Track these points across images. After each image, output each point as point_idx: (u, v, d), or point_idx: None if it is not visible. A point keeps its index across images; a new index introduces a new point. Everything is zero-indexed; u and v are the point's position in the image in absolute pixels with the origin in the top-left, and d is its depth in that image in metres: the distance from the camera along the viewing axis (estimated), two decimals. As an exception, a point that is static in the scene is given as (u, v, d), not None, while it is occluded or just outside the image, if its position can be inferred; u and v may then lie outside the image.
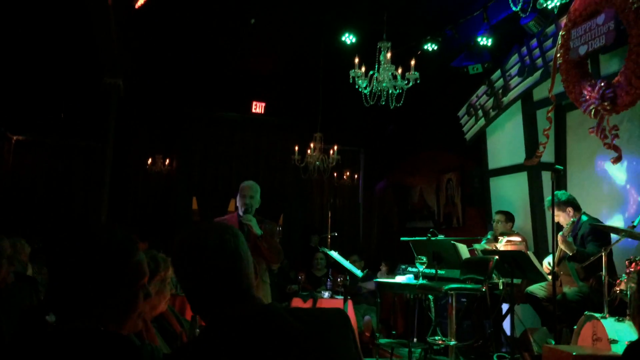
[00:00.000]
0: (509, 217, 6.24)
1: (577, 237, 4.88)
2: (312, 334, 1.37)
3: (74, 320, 1.44)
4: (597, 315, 3.99)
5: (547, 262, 5.07)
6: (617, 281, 4.25)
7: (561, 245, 4.75)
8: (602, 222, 4.99)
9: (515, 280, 5.10)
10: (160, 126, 10.29)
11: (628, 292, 3.82)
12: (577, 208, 5.06)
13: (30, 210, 9.39)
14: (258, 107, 10.28)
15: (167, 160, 10.15)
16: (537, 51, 5.98)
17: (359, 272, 5.47)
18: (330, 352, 1.38)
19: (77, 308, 1.45)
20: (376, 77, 5.76)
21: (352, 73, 5.73)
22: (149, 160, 9.98)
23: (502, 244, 5.74)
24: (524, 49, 6.16)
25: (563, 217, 5.04)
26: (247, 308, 1.39)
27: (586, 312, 4.14)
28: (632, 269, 3.96)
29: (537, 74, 6.02)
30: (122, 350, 1.42)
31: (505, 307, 5.67)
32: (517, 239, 5.87)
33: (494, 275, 5.20)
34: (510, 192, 6.87)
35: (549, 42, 5.75)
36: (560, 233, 4.77)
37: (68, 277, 1.46)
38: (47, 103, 9.11)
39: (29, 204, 9.47)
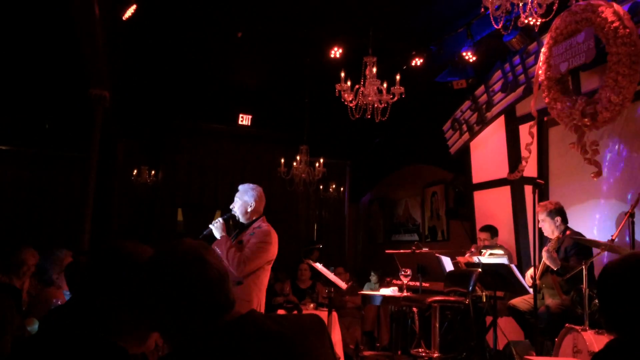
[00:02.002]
0: (493, 232, 6.30)
1: (559, 250, 4.94)
2: (291, 337, 1.40)
3: (79, 329, 1.46)
4: (578, 327, 4.04)
5: (529, 275, 5.12)
6: (598, 294, 4.30)
7: (546, 261, 4.79)
8: (583, 236, 5.06)
9: (497, 293, 5.16)
10: (145, 137, 10.27)
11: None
12: (565, 219, 5.12)
13: (12, 220, 9.29)
14: (244, 120, 10.31)
15: (153, 172, 10.12)
16: (519, 68, 6.09)
17: (343, 285, 5.48)
18: (308, 354, 1.41)
19: (94, 319, 1.48)
20: (362, 91, 5.82)
21: (338, 87, 5.79)
22: (134, 172, 9.94)
23: (486, 257, 5.79)
24: (507, 66, 6.27)
25: (548, 225, 5.09)
26: (228, 317, 1.41)
27: (567, 325, 4.19)
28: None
29: (520, 90, 6.13)
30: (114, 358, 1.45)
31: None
32: (500, 251, 5.92)
33: (477, 288, 5.24)
34: (493, 206, 6.95)
35: (532, 59, 5.86)
36: (546, 249, 4.80)
37: (94, 289, 1.50)
38: (32, 113, 9.05)
39: (11, 214, 9.37)
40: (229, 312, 1.41)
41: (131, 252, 1.54)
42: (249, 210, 3.96)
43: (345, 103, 5.86)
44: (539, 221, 4.96)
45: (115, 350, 1.46)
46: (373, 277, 8.43)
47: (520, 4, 3.80)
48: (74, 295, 1.56)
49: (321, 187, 10.26)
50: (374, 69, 5.82)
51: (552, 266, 4.78)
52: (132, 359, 1.51)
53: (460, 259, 5.84)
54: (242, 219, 3.98)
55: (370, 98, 5.81)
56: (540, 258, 4.89)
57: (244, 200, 3.97)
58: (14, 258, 4.39)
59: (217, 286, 1.40)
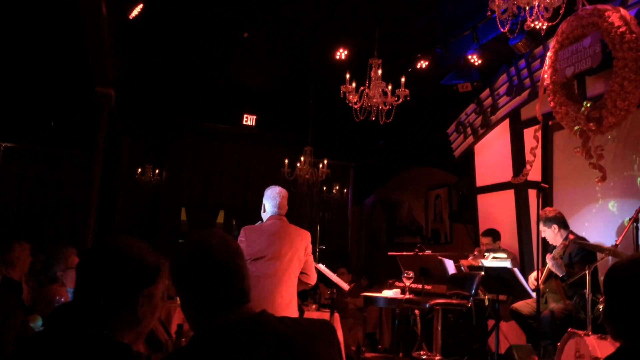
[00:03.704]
0: (495, 236, 6.30)
1: (564, 255, 4.93)
2: (300, 341, 1.41)
3: (86, 325, 1.47)
4: (581, 332, 4.03)
5: (533, 278, 5.11)
6: (601, 299, 4.30)
7: (551, 268, 4.78)
8: (587, 241, 5.05)
9: (500, 297, 5.15)
10: (150, 136, 10.30)
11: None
12: (563, 226, 5.10)
13: (17, 217, 9.32)
14: (249, 120, 10.32)
15: (157, 171, 10.13)
16: (525, 71, 6.08)
17: (345, 286, 5.48)
18: (316, 358, 1.41)
19: (98, 315, 1.49)
20: (367, 93, 5.83)
21: (343, 88, 5.79)
22: (139, 170, 9.96)
23: (489, 261, 5.78)
24: (513, 69, 6.26)
25: (549, 233, 5.10)
26: (240, 315, 1.43)
27: (570, 329, 4.18)
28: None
29: (525, 93, 6.12)
30: (121, 357, 1.46)
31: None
32: (503, 255, 5.91)
33: (479, 291, 5.24)
34: (497, 209, 6.94)
35: (537, 62, 5.85)
36: (552, 256, 4.79)
37: (95, 286, 1.51)
38: (38, 110, 9.09)
39: (16, 211, 9.40)
40: (241, 306, 1.45)
41: (130, 247, 1.55)
42: (264, 211, 4.14)
43: (350, 105, 5.86)
44: (540, 231, 4.94)
45: (121, 348, 1.46)
46: (364, 282, 8.46)
47: (527, 8, 3.80)
48: (76, 293, 1.56)
49: (324, 188, 10.25)
50: (379, 71, 5.83)
51: (557, 273, 4.77)
52: (136, 357, 1.51)
53: (463, 262, 5.83)
54: None
55: (375, 100, 5.81)
56: (544, 262, 4.88)
57: (265, 201, 4.15)
58: (10, 253, 4.43)
59: (224, 278, 1.46)
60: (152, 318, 1.56)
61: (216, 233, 1.55)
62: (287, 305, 3.89)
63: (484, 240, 6.32)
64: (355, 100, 5.83)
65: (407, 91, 5.72)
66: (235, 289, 1.46)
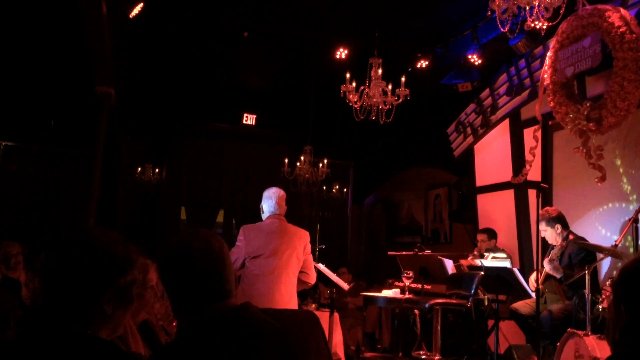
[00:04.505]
0: (490, 234, 6.32)
1: (563, 256, 4.93)
2: (284, 330, 1.44)
3: (61, 324, 1.44)
4: (580, 332, 4.03)
5: (533, 279, 5.11)
6: (601, 299, 4.30)
7: (549, 272, 4.78)
8: (587, 241, 5.05)
9: (499, 297, 5.15)
10: (150, 136, 10.30)
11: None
12: (565, 226, 5.11)
13: (16, 217, 9.32)
14: (249, 119, 10.32)
15: (157, 170, 10.14)
16: (525, 71, 6.09)
17: (345, 286, 5.48)
18: (302, 347, 1.44)
19: (69, 312, 1.43)
20: (367, 93, 5.83)
21: (343, 88, 5.80)
22: (139, 169, 9.96)
23: (489, 261, 5.79)
24: (513, 69, 6.27)
25: (550, 233, 5.09)
26: (222, 307, 1.45)
27: (569, 329, 4.19)
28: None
29: (525, 93, 6.12)
30: (110, 357, 1.42)
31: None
32: (503, 255, 5.92)
33: (479, 291, 5.24)
34: (497, 209, 6.94)
35: (537, 62, 5.86)
36: (548, 259, 4.79)
37: (61, 281, 1.45)
38: (38, 109, 9.08)
39: (16, 210, 9.40)
40: (223, 300, 1.47)
41: (96, 239, 1.48)
42: (262, 212, 4.20)
43: (350, 104, 5.86)
44: (540, 231, 4.94)
45: (108, 347, 1.42)
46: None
47: (527, 8, 3.80)
48: (43, 289, 1.49)
49: (324, 188, 10.25)
50: (379, 71, 5.83)
51: (555, 275, 4.77)
52: (126, 356, 1.47)
53: (462, 261, 5.83)
54: None
55: (375, 99, 5.82)
56: (544, 263, 4.87)
57: (262, 204, 4.22)
58: (10, 253, 4.44)
59: (221, 272, 1.49)
60: (126, 311, 1.49)
61: (200, 234, 1.54)
62: (286, 303, 3.90)
63: (480, 236, 6.36)
64: (355, 100, 5.83)
65: (407, 91, 5.72)
66: (214, 289, 1.48)
